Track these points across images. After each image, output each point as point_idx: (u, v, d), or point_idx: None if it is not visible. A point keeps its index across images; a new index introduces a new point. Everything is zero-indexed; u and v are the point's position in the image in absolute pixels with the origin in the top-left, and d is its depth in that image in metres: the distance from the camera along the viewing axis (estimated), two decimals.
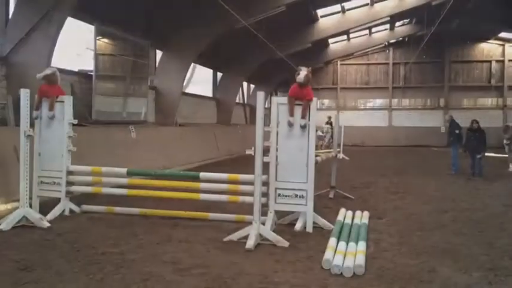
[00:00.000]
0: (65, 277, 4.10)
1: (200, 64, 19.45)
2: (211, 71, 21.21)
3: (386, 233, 5.96)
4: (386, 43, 27.44)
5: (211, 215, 6.57)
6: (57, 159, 6.69)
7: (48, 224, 6.00)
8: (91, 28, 11.15)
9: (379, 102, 29.49)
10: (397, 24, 24.40)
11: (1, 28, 8.37)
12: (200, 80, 23.14)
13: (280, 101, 5.99)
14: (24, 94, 6.15)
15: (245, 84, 24.98)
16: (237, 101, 22.85)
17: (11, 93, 8.05)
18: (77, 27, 11.67)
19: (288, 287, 4.01)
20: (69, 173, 6.73)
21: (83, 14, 10.80)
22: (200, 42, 14.46)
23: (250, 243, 5.13)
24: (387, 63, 28.98)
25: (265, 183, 5.90)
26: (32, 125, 6.37)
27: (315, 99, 5.88)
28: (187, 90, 19.08)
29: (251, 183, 6.07)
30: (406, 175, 12.77)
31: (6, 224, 5.79)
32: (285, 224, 6.28)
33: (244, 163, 15.76)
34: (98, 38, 10.93)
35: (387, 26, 24.16)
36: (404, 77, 28.78)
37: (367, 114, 29.24)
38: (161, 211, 6.72)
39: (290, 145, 5.95)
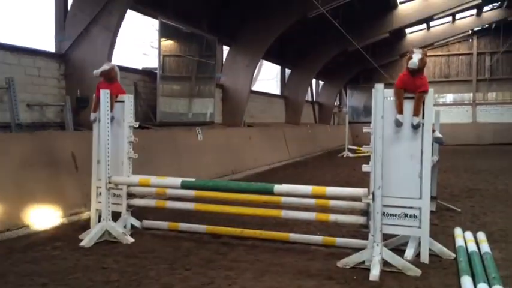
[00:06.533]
0: None
1: (268, 60, 18.48)
2: (277, 68, 20.18)
3: None
4: (470, 31, 24.83)
5: (292, 236, 5.40)
6: (117, 167, 5.84)
7: (132, 240, 5.34)
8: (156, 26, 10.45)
9: (460, 96, 26.92)
10: (485, 9, 21.86)
11: (60, 23, 7.78)
12: (266, 78, 22.25)
13: (384, 93, 4.68)
14: (104, 95, 5.46)
15: (313, 81, 23.63)
16: (306, 99, 21.61)
17: (69, 94, 7.43)
18: (142, 26, 11.11)
19: None
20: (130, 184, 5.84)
21: (146, 7, 10.13)
22: (269, 35, 13.44)
23: (374, 273, 4.08)
24: (470, 54, 26.32)
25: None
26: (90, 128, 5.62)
27: (431, 90, 4.53)
28: (254, 89, 18.17)
29: (342, 198, 4.93)
30: (511, 179, 10.88)
31: (88, 240, 5.18)
32: (389, 249, 4.98)
33: (318, 166, 14.68)
34: (162, 34, 10.18)
35: (474, 11, 21.72)
36: (490, 68, 26.01)
37: (447, 110, 26.70)
38: (232, 229, 5.64)
39: (398, 150, 4.64)
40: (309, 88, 22.35)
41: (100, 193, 5.77)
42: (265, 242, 5.30)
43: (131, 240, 5.35)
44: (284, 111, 19.68)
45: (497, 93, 26.24)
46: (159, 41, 10.19)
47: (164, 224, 5.91)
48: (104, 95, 5.51)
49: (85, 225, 5.78)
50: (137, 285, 3.97)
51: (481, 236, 5.26)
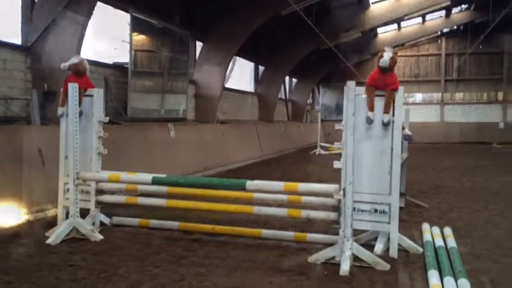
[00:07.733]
0: None
1: (241, 57, 18.39)
2: (251, 64, 20.12)
3: (487, 259, 4.64)
4: (439, 32, 25.42)
5: (264, 232, 5.40)
6: (85, 163, 5.70)
7: (101, 237, 5.24)
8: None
9: (429, 96, 27.55)
10: (454, 10, 22.41)
11: (27, 15, 7.50)
12: (239, 75, 22.14)
13: (356, 91, 4.73)
14: (73, 89, 5.31)
15: (287, 78, 23.70)
16: (279, 96, 21.65)
17: (35, 87, 7.17)
18: (114, 20, 10.87)
19: None
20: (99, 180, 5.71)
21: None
22: (243, 31, 13.34)
23: (344, 268, 4.13)
24: (439, 55, 26.96)
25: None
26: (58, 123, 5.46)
27: (401, 88, 4.61)
28: (227, 85, 18.08)
29: (314, 194, 5.00)
30: (477, 176, 11.20)
31: (55, 238, 5.03)
32: (359, 244, 5.05)
33: (290, 163, 14.74)
34: (133, 28, 9.97)
35: (442, 12, 22.23)
36: (457, 69, 26.72)
37: (417, 109, 27.25)
38: (204, 226, 5.59)
39: (368, 147, 4.70)
40: (282, 86, 22.42)
41: (68, 189, 5.63)
42: (237, 239, 5.29)
43: (100, 237, 5.25)
44: (257, 109, 19.66)
45: (464, 93, 26.95)
46: (131, 36, 9.98)
47: (134, 221, 5.82)
48: (72, 88, 5.37)
49: (52, 222, 5.63)
50: (105, 282, 3.88)
51: (448, 231, 5.39)
